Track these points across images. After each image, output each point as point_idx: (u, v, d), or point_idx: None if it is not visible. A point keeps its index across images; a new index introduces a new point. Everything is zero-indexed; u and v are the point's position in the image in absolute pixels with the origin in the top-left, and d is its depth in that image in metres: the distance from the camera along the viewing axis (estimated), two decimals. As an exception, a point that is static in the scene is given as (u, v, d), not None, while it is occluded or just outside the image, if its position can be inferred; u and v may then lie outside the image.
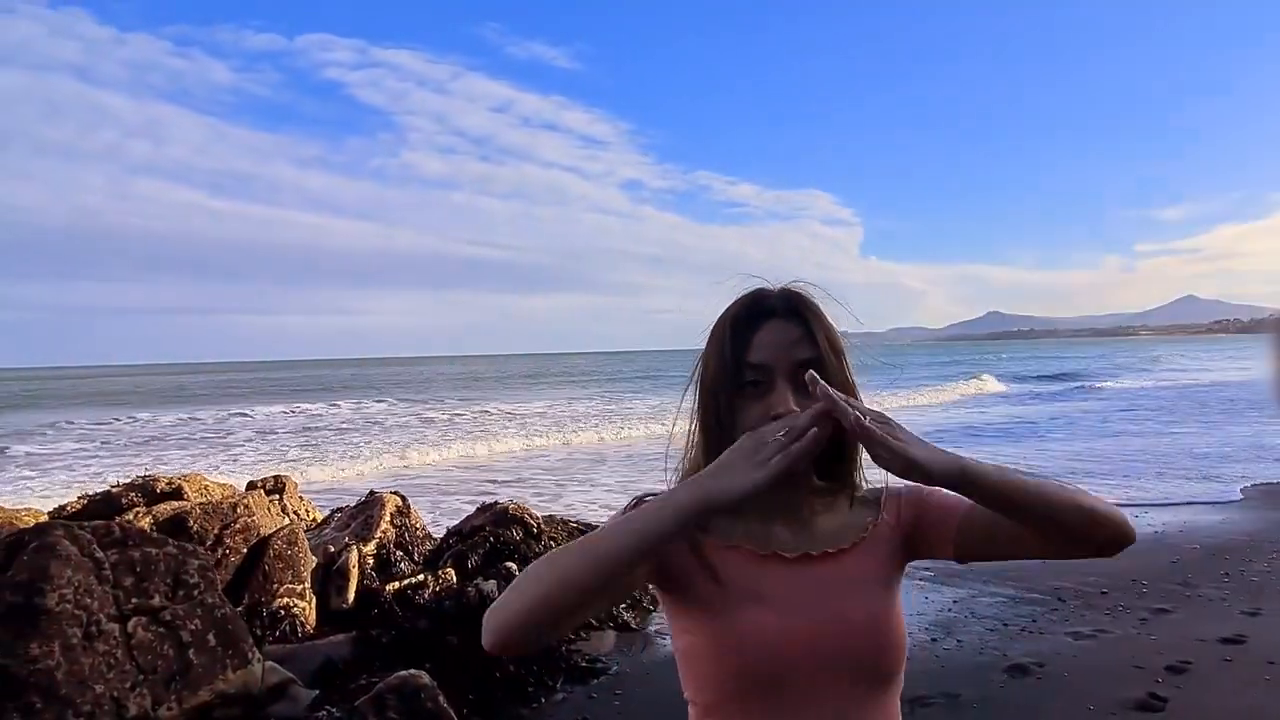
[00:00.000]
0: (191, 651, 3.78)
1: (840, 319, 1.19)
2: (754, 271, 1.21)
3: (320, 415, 29.13)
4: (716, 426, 1.13)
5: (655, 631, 5.56)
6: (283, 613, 5.17)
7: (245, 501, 5.21)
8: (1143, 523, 8.44)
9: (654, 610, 6.03)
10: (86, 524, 3.59)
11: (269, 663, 4.28)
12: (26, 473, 14.94)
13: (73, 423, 27.38)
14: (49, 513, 5.91)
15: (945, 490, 1.07)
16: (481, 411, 28.70)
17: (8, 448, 18.88)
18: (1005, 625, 5.35)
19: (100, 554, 3.42)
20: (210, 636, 3.88)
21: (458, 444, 17.71)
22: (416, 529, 7.16)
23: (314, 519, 8.31)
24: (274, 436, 21.65)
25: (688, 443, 1.20)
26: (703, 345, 1.19)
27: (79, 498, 6.33)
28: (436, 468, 15.57)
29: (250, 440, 20.67)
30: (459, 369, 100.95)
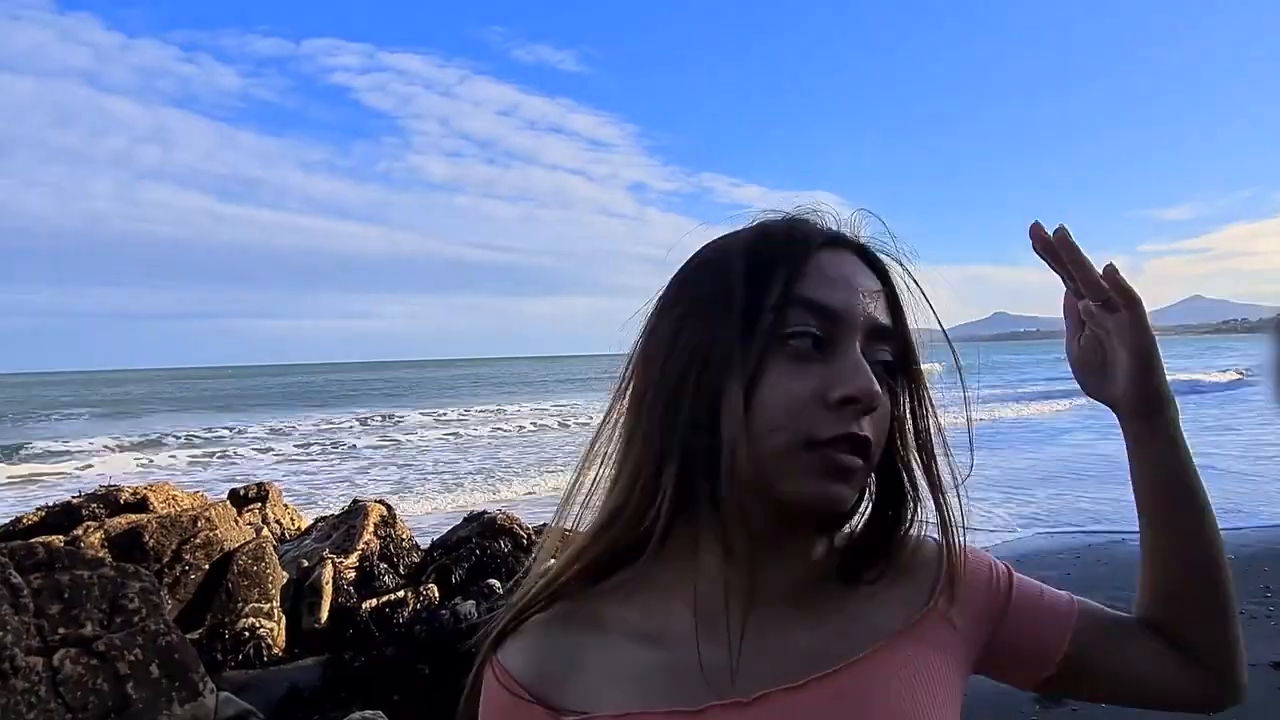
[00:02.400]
0: (130, 685, 3.40)
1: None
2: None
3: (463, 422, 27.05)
4: (690, 428, 0.60)
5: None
6: (248, 634, 4.78)
7: (207, 514, 4.83)
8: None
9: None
10: (4, 545, 3.20)
11: (224, 693, 3.89)
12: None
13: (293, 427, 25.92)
14: (2, 527, 5.54)
15: (1035, 584, 0.74)
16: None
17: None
18: (1032, 646, 4.93)
19: (17, 579, 3.04)
20: (153, 668, 3.49)
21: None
22: (402, 539, 6.77)
23: (298, 528, 7.94)
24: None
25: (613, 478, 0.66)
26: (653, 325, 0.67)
27: (36, 509, 5.94)
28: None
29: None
30: (491, 371, 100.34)
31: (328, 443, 19.87)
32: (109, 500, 5.78)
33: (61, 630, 3.19)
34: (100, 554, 4.34)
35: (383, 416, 29.95)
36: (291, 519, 8.43)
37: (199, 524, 4.71)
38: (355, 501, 7.44)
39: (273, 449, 19.01)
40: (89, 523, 5.04)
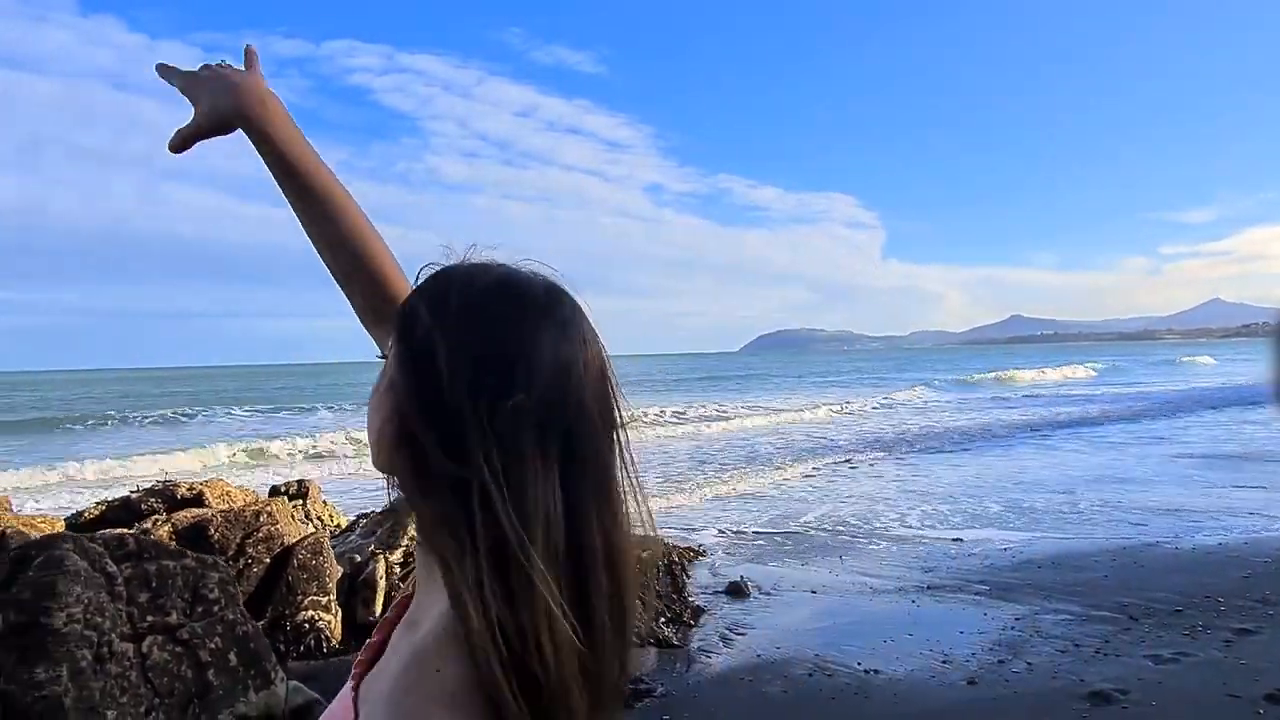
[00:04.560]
0: (211, 672, 3.51)
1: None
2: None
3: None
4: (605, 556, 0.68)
5: (698, 649, 5.24)
6: (307, 626, 4.90)
7: (269, 509, 4.95)
8: (1204, 534, 8.03)
9: (694, 625, 5.73)
10: (98, 536, 3.32)
11: (293, 682, 4.01)
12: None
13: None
14: (65, 519, 5.69)
15: None
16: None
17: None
18: (1077, 646, 4.97)
19: (112, 568, 3.15)
20: (231, 655, 3.61)
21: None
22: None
23: (338, 524, 8.07)
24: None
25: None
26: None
27: (97, 504, 6.10)
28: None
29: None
30: None
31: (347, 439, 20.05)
32: (166, 495, 5.93)
33: (149, 618, 3.31)
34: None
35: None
36: (330, 516, 8.57)
37: (261, 519, 4.83)
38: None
39: (295, 444, 19.19)
40: (155, 516, 5.17)
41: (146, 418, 29.39)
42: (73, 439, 23.64)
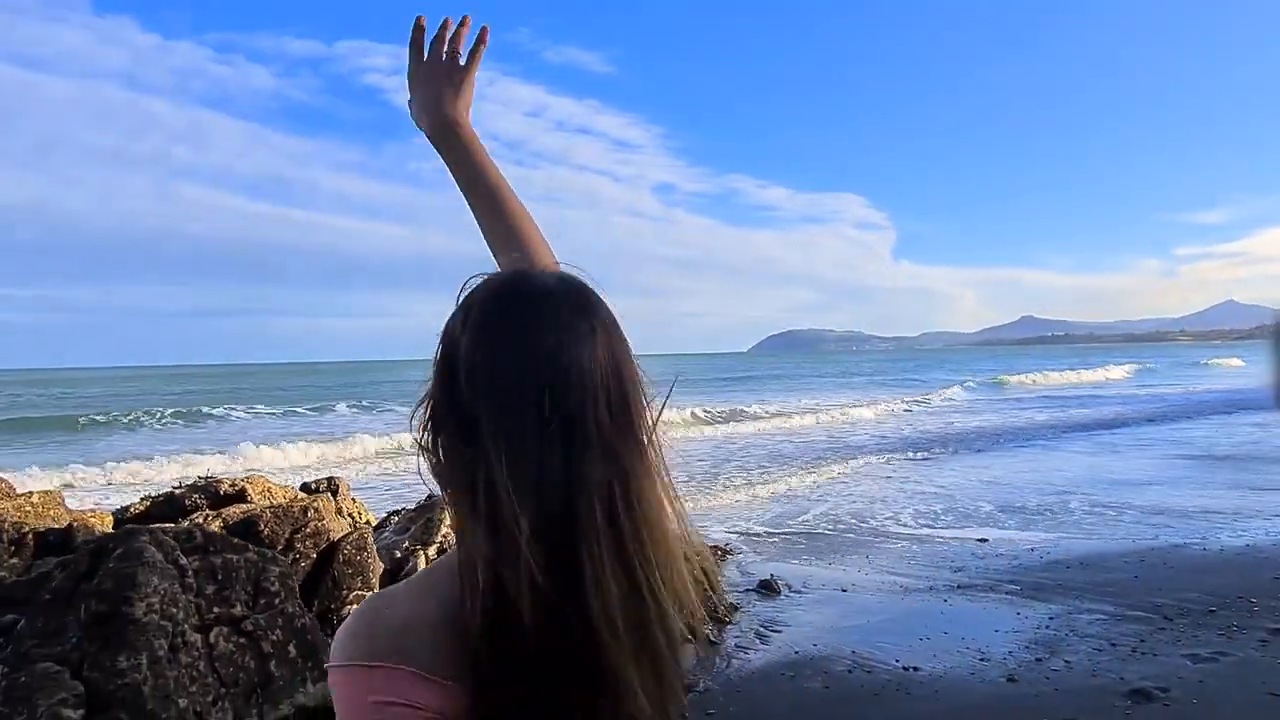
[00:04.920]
0: (273, 663, 3.60)
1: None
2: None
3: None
4: None
5: (735, 645, 5.30)
6: (353, 620, 4.98)
7: (315, 505, 5.04)
8: (1230, 534, 8.04)
9: (729, 622, 5.79)
10: (169, 529, 3.41)
11: (346, 675, 4.09)
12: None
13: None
14: (113, 514, 5.78)
15: None
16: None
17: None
18: (1113, 645, 5.01)
19: (184, 560, 3.24)
20: (291, 647, 3.69)
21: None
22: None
23: (367, 521, 8.15)
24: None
25: None
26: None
27: (141, 499, 6.20)
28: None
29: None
30: None
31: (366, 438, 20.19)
32: (209, 491, 6.02)
33: (216, 610, 3.39)
34: (220, 541, 4.54)
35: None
36: (360, 513, 8.66)
37: (309, 514, 4.91)
38: (430, 496, 7.65)
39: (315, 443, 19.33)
40: (202, 512, 5.27)
41: (189, 415, 28.98)
42: (121, 436, 23.74)
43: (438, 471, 0.80)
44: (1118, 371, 49.66)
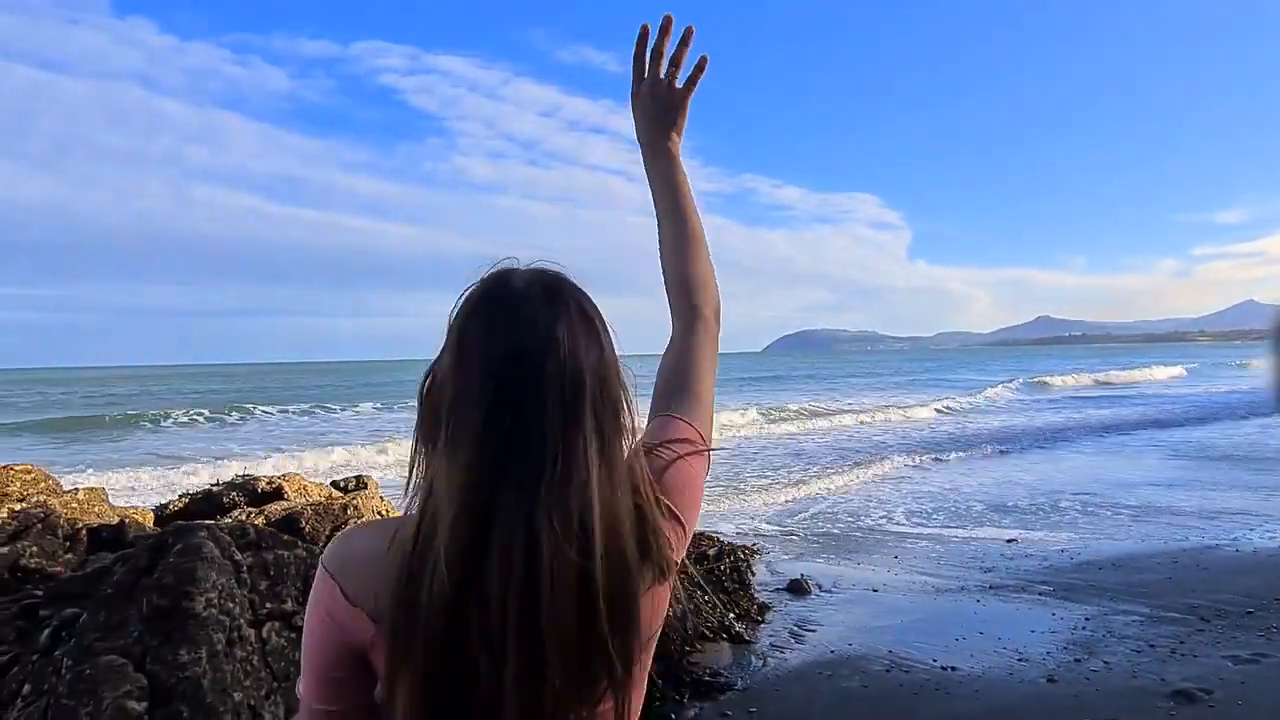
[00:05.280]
0: (321, 658, 3.64)
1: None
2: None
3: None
4: None
5: (770, 645, 5.31)
6: (391, 617, 5.04)
7: (355, 502, 5.09)
8: (1263, 535, 7.97)
9: (762, 621, 5.80)
10: (223, 525, 3.46)
11: (389, 670, 4.14)
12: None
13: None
14: (154, 509, 5.87)
15: None
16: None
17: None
18: (1151, 646, 4.99)
19: (239, 556, 3.29)
20: (338, 643, 3.74)
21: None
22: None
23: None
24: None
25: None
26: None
27: (180, 496, 6.29)
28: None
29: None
30: None
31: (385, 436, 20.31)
32: (246, 488, 6.10)
33: (268, 605, 3.44)
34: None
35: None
36: (388, 510, 8.73)
37: (348, 511, 4.97)
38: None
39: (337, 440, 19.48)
40: (242, 509, 5.33)
41: (220, 415, 28.86)
42: (160, 435, 23.86)
43: (412, 458, 0.90)
44: (1162, 372, 48.21)
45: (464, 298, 0.90)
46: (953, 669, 4.67)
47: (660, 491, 0.95)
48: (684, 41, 1.21)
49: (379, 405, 33.22)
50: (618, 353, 0.92)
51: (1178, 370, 48.46)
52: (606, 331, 0.92)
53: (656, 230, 1.21)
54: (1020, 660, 4.80)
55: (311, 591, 0.91)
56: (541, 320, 0.86)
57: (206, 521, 3.68)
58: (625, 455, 0.89)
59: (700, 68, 1.22)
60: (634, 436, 0.92)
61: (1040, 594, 6.29)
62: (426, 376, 0.91)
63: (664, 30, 1.20)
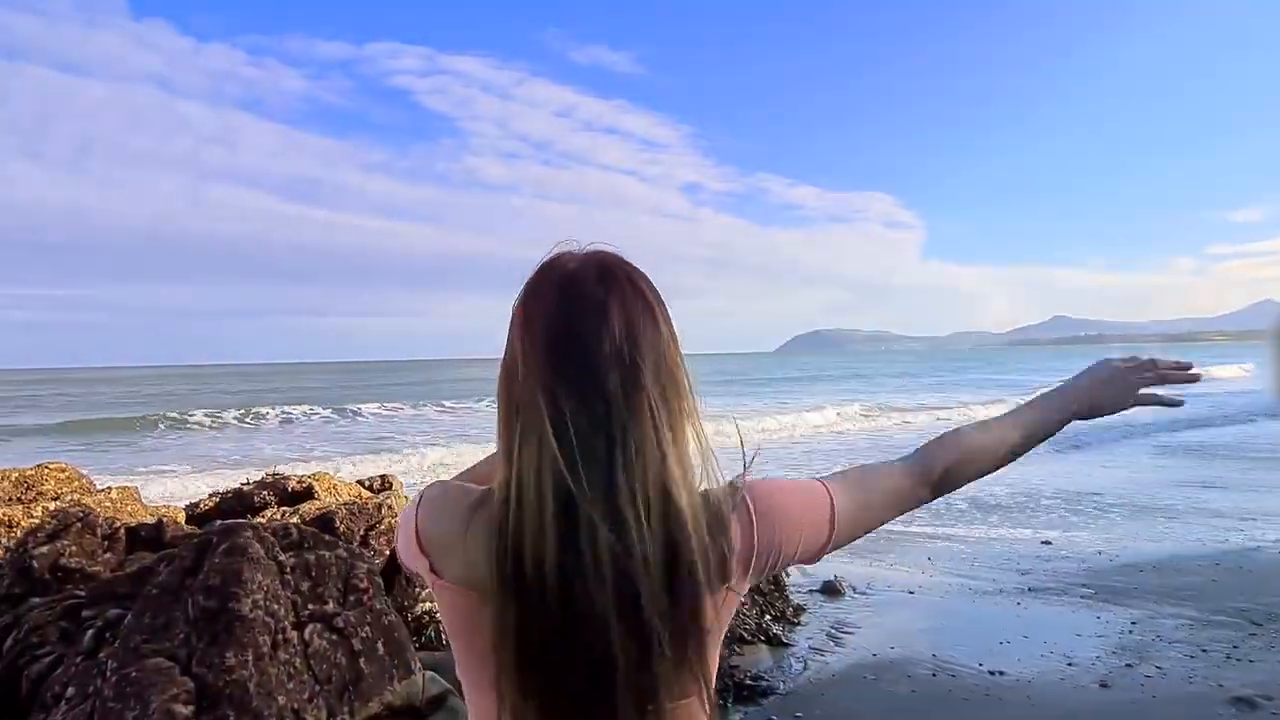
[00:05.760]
0: (362, 660, 3.57)
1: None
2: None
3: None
4: None
5: (809, 647, 5.21)
6: (426, 619, 4.97)
7: (389, 502, 5.03)
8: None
9: (798, 623, 5.70)
10: (266, 525, 3.39)
11: (429, 672, 4.07)
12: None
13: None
14: (184, 509, 5.83)
15: None
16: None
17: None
18: (1204, 651, 4.85)
19: (282, 556, 3.23)
20: (379, 645, 3.67)
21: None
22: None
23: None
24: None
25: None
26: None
27: (210, 495, 6.25)
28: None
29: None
30: None
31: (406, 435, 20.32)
32: (277, 488, 6.05)
33: (310, 606, 3.37)
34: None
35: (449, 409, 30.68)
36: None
37: (382, 511, 4.91)
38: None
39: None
40: (274, 507, 5.28)
41: (253, 415, 28.73)
42: (200, 436, 23.90)
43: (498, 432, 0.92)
44: (1222, 371, 46.39)
45: (527, 284, 0.90)
46: (1000, 673, 4.55)
47: (751, 497, 0.95)
48: (1185, 379, 1.22)
49: (421, 403, 33.11)
50: (677, 335, 0.91)
51: (1234, 370, 46.62)
52: (664, 311, 0.91)
53: (980, 433, 1.18)
54: (1070, 665, 4.68)
55: (402, 513, 0.98)
56: (596, 299, 0.86)
57: (254, 521, 3.62)
58: (691, 438, 0.89)
59: (1169, 403, 1.22)
60: (698, 421, 0.91)
61: (1082, 597, 6.16)
62: (504, 363, 0.92)
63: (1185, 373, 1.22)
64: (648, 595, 0.81)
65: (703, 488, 0.90)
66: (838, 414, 24.69)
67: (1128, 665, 4.65)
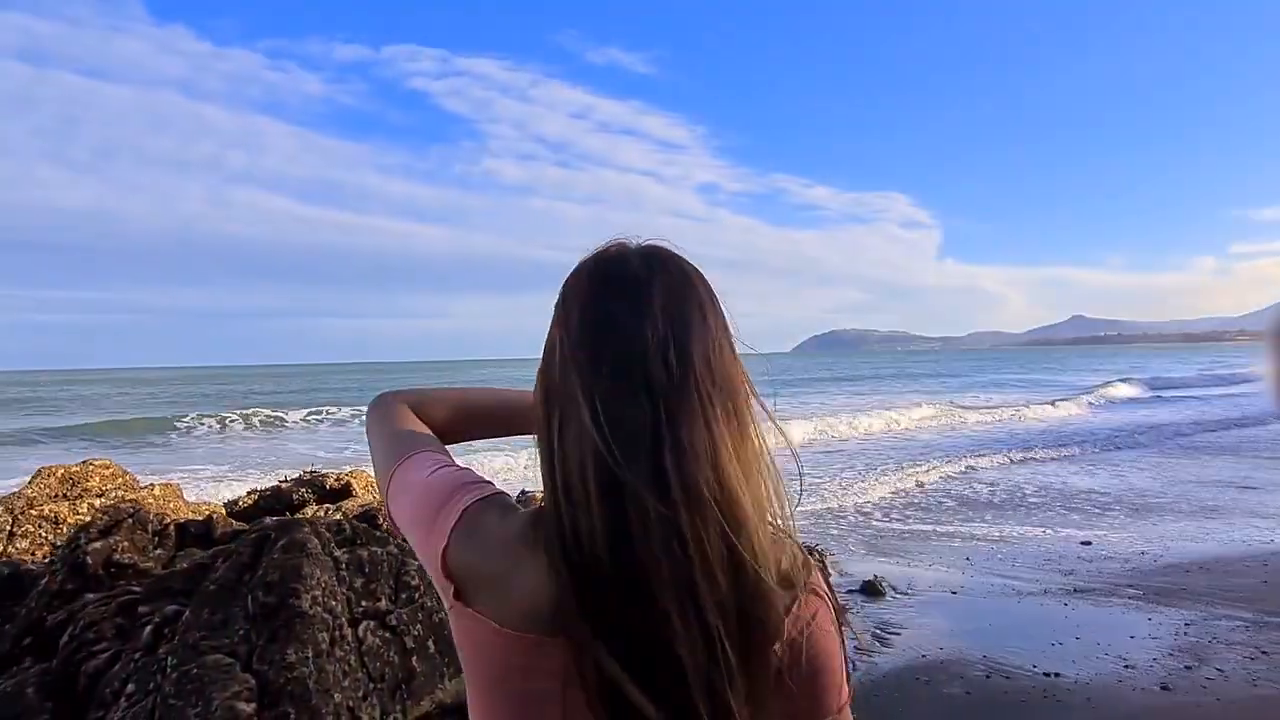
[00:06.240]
0: (415, 658, 3.54)
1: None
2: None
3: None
4: None
5: (854, 648, 5.13)
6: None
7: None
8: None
9: (842, 624, 5.60)
10: (320, 520, 3.36)
11: (477, 671, 4.03)
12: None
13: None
14: (224, 505, 5.83)
15: None
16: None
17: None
18: (1264, 653, 4.73)
19: (338, 553, 3.19)
20: (430, 643, 3.63)
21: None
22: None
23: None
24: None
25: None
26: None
27: (248, 493, 6.25)
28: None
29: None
30: None
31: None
32: (315, 485, 6.04)
33: (364, 603, 3.34)
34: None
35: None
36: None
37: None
38: (523, 492, 7.61)
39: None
40: (312, 504, 5.26)
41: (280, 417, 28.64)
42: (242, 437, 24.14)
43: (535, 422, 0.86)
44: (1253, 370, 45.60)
45: (571, 277, 0.86)
46: (1056, 675, 4.45)
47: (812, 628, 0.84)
48: None
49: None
50: (733, 333, 0.85)
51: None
52: (716, 306, 0.84)
53: None
54: (1127, 668, 4.57)
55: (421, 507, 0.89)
56: (637, 285, 0.81)
57: (311, 518, 3.59)
58: (749, 445, 0.81)
59: None
60: (755, 426, 0.83)
61: (1130, 597, 6.04)
62: (544, 356, 0.86)
63: None
64: (709, 600, 0.75)
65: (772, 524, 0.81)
66: (933, 410, 24.47)
67: (1186, 667, 4.54)
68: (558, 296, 0.85)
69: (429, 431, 1.02)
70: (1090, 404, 28.69)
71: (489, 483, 0.89)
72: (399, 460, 0.94)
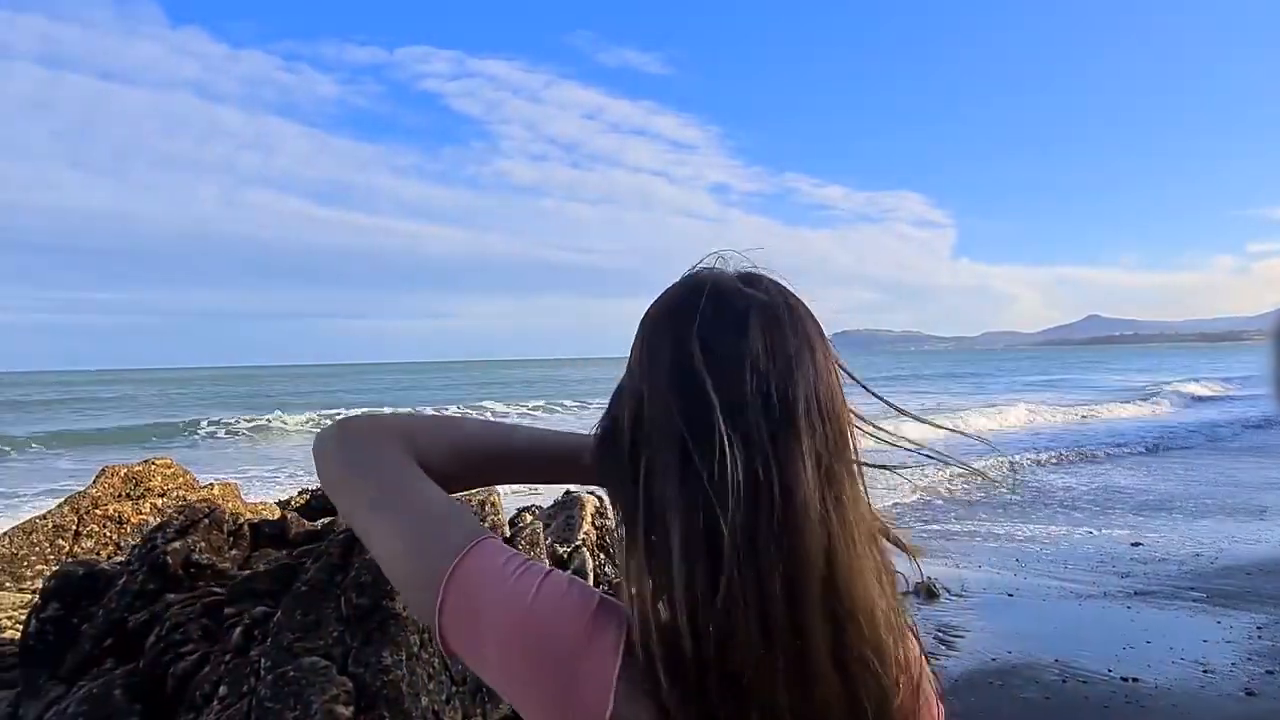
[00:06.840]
0: (493, 661, 3.49)
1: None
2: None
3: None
4: None
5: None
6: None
7: (491, 500, 4.94)
8: None
9: (901, 626, 5.53)
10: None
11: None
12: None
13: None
14: (277, 504, 5.81)
15: None
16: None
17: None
18: (1346, 658, 4.62)
19: (423, 554, 3.15)
20: (507, 645, 3.59)
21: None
22: (615, 531, 6.85)
23: (502, 517, 8.10)
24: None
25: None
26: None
27: (300, 492, 6.24)
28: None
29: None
30: (575, 371, 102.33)
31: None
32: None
33: (445, 605, 3.30)
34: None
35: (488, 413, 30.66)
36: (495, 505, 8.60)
37: (486, 509, 4.82)
38: (568, 492, 7.55)
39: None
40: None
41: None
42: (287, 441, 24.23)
43: (604, 470, 0.77)
44: None
45: (654, 303, 0.75)
46: (1135, 680, 4.36)
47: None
48: None
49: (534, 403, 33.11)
50: (839, 371, 0.74)
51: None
52: (824, 342, 0.73)
53: None
54: (1206, 672, 4.47)
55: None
56: (739, 325, 0.70)
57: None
58: (861, 501, 0.70)
59: None
60: (864, 480, 0.72)
61: (1194, 600, 5.93)
62: (616, 396, 0.76)
63: None
64: (818, 688, 0.65)
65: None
66: (1027, 410, 24.32)
67: (1268, 672, 4.44)
68: (642, 328, 0.75)
69: (442, 490, 0.80)
70: (1165, 402, 27.78)
71: (597, 590, 0.72)
72: (452, 551, 0.72)
